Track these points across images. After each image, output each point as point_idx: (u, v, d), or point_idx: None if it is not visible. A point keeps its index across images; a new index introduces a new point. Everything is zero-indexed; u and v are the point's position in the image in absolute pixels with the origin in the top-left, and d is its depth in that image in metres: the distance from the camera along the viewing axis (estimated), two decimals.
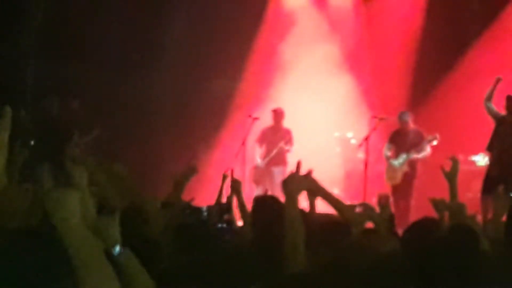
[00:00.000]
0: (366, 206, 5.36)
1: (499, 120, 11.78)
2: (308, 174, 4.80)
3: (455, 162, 6.21)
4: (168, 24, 15.40)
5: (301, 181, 4.42)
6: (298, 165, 4.63)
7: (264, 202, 5.66)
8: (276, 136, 13.82)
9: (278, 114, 13.90)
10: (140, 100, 15.07)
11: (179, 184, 6.72)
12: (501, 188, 5.89)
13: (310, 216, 5.45)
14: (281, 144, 13.67)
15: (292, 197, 4.27)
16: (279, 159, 13.75)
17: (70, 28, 13.73)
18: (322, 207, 5.70)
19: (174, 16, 15.47)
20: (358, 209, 5.36)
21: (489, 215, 11.30)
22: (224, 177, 7.98)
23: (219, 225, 6.16)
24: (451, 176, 6.13)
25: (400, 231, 5.66)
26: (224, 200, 7.29)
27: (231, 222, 6.18)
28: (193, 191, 10.34)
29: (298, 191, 4.33)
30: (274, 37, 15.85)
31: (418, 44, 15.29)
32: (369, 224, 5.75)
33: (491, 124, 12.01)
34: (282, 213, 4.67)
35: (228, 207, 6.47)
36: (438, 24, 14.90)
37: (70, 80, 13.94)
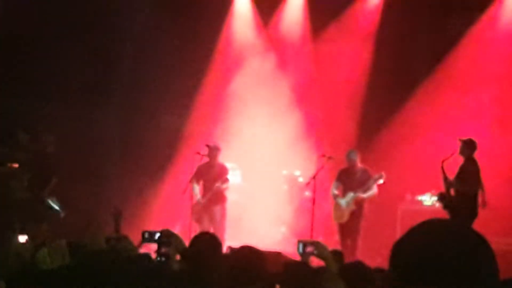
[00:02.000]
0: (318, 245, 5.35)
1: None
2: None
3: None
4: (116, 60, 15.34)
5: None
6: None
7: (202, 238, 5.79)
8: (211, 172, 13.57)
9: (212, 149, 13.60)
10: (88, 136, 14.94)
11: None
12: None
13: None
14: (218, 184, 13.43)
15: None
16: (217, 198, 13.54)
17: (16, 63, 13.65)
18: None
19: (122, 51, 15.42)
20: (309, 248, 5.35)
21: None
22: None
23: (158, 259, 6.16)
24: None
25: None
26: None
27: (167, 255, 6.14)
28: (142, 225, 10.26)
29: None
30: (223, 73, 15.89)
31: (366, 84, 15.42)
32: (320, 262, 5.75)
33: (437, 165, 12.11)
34: (218, 248, 5.08)
35: (166, 241, 6.42)
36: (387, 63, 15.04)
37: (20, 115, 13.79)
